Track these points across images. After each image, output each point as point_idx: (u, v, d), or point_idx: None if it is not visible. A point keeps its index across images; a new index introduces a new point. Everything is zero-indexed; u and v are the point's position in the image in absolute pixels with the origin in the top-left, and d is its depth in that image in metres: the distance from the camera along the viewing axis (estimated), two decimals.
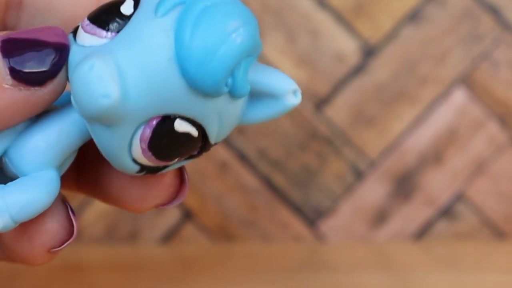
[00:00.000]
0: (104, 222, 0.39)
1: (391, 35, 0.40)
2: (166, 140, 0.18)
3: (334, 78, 0.40)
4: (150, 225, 0.39)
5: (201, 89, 0.17)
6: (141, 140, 0.18)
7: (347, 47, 0.40)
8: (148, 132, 0.18)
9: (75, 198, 0.38)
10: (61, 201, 0.20)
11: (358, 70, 0.40)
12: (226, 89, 0.18)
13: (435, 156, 0.40)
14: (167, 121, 0.18)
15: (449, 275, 0.35)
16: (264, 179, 0.39)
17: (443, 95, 0.40)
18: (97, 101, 0.17)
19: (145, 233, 0.39)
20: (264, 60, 0.39)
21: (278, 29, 0.39)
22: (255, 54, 0.18)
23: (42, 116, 0.19)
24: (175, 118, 0.18)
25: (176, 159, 0.19)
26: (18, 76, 0.18)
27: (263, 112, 0.20)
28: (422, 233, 0.40)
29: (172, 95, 0.18)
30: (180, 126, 0.18)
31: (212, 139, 0.19)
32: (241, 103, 0.19)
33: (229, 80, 0.18)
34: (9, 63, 0.18)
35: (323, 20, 0.39)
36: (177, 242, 0.39)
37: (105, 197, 0.21)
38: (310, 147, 0.40)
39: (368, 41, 0.40)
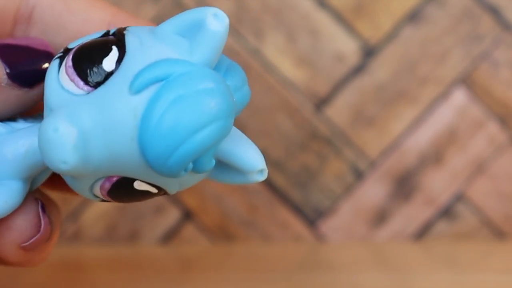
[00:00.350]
0: (104, 222, 0.39)
1: (391, 35, 0.40)
2: (124, 193, 0.19)
3: (334, 78, 0.40)
4: (150, 225, 0.39)
5: (159, 173, 0.18)
6: (101, 188, 0.19)
7: (347, 47, 0.40)
8: (108, 185, 0.19)
9: (75, 198, 0.38)
10: (34, 199, 0.21)
11: (358, 70, 0.40)
12: (184, 174, 0.18)
13: (435, 156, 0.40)
14: (126, 180, 0.18)
15: (449, 275, 0.35)
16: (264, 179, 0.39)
17: (443, 95, 0.40)
18: (56, 164, 0.17)
19: (145, 233, 0.39)
20: (264, 60, 0.39)
21: (278, 29, 0.39)
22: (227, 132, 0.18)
23: (21, 126, 0.20)
24: (134, 180, 0.18)
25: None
26: (13, 77, 0.20)
27: (226, 177, 0.20)
28: (422, 233, 0.40)
29: (131, 167, 0.18)
30: (139, 186, 0.19)
31: (173, 193, 0.19)
32: (204, 173, 0.19)
33: (190, 165, 0.18)
34: (7, 65, 0.20)
35: (323, 20, 0.39)
36: (177, 242, 0.39)
37: None
38: (310, 147, 0.40)
39: (368, 41, 0.40)
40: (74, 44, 0.19)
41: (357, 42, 0.40)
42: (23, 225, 0.20)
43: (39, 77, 0.20)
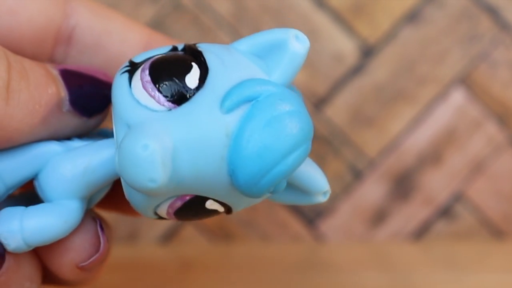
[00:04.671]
0: None
1: (390, 35, 0.40)
2: (193, 212, 0.19)
3: (333, 78, 0.40)
4: (150, 226, 0.39)
5: (245, 194, 0.18)
6: (169, 206, 0.18)
7: (346, 47, 0.40)
8: (179, 204, 0.18)
9: None
10: (91, 218, 0.20)
11: (357, 70, 0.40)
12: (268, 195, 0.18)
13: (433, 156, 0.40)
14: (199, 199, 0.18)
15: (448, 274, 0.35)
16: None
17: (442, 95, 0.40)
18: (143, 183, 0.16)
19: (145, 233, 0.39)
20: None
21: None
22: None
23: (77, 144, 0.20)
24: (208, 199, 0.18)
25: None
26: (74, 105, 0.19)
27: (290, 197, 0.20)
28: (421, 232, 0.40)
29: (214, 186, 0.18)
30: (211, 205, 0.18)
31: (237, 211, 0.19)
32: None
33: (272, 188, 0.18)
34: (69, 92, 0.19)
35: (322, 20, 0.40)
36: (176, 242, 0.39)
37: None
38: None
39: (367, 41, 0.40)
40: (140, 58, 0.19)
41: (356, 42, 0.40)
42: (81, 245, 0.20)
43: (100, 108, 0.20)
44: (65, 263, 0.20)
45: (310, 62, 0.39)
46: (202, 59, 0.18)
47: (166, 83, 0.17)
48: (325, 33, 0.39)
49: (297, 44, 0.18)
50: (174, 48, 0.19)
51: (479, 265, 0.36)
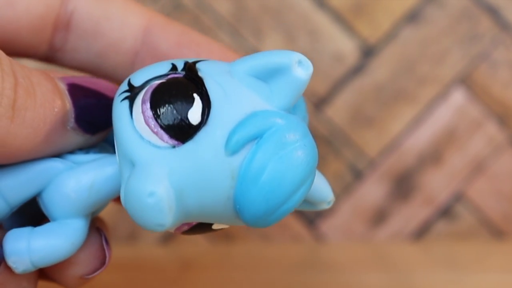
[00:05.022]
0: None
1: (390, 35, 0.40)
2: (200, 231, 0.19)
3: (333, 78, 0.40)
4: None
5: (252, 227, 0.18)
6: (176, 229, 0.18)
7: (346, 47, 0.40)
8: (186, 227, 0.18)
9: None
10: (96, 230, 0.20)
11: (357, 70, 0.40)
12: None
13: (434, 156, 0.40)
14: (206, 223, 0.18)
15: (448, 275, 0.35)
16: None
17: (442, 95, 0.40)
18: (152, 227, 0.16)
19: (145, 233, 0.39)
20: None
21: (277, 29, 0.39)
22: None
23: (80, 158, 0.19)
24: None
25: None
26: (79, 122, 0.19)
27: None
28: (421, 233, 0.40)
29: (221, 218, 0.18)
30: (217, 226, 0.19)
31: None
32: None
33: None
34: (75, 109, 0.19)
35: (322, 20, 0.39)
36: (176, 242, 0.39)
37: None
38: None
39: (367, 41, 0.40)
40: (138, 80, 0.18)
41: (356, 42, 0.40)
42: (86, 259, 0.20)
43: (104, 126, 0.19)
44: (70, 276, 0.20)
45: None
46: (204, 89, 0.17)
47: (169, 120, 0.17)
48: (325, 33, 0.39)
49: (300, 70, 0.17)
50: (174, 67, 0.18)
51: (479, 265, 0.36)
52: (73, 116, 0.19)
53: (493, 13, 0.39)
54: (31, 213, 0.20)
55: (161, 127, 0.17)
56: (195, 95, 0.17)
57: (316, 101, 0.40)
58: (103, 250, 0.20)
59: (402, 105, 0.40)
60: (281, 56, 0.17)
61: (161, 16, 0.22)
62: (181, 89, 0.17)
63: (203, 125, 0.17)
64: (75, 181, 0.19)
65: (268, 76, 0.18)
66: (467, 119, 0.40)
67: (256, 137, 0.17)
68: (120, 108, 0.18)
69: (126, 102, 0.18)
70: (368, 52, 0.40)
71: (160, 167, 0.17)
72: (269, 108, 0.17)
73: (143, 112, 0.17)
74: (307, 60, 0.17)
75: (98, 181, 0.19)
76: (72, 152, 0.19)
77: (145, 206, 0.16)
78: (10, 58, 0.18)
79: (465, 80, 0.40)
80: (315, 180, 0.19)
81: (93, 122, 0.19)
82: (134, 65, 0.22)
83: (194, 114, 0.17)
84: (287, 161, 0.17)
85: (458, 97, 0.40)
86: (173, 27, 0.22)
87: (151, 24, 0.22)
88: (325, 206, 0.20)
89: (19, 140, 0.18)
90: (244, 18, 0.39)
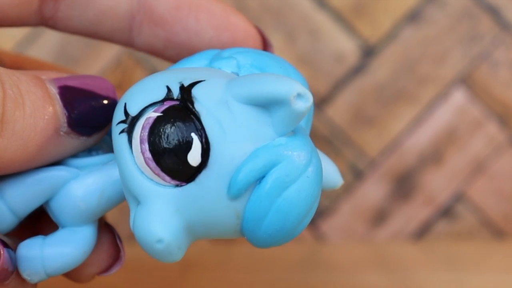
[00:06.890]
0: None
1: (391, 35, 0.40)
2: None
3: (334, 78, 0.40)
4: None
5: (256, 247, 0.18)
6: None
7: (346, 47, 0.40)
8: None
9: None
10: (108, 230, 0.20)
11: (358, 70, 0.40)
12: None
13: (434, 156, 0.40)
14: None
15: (449, 274, 0.35)
16: None
17: (443, 95, 0.40)
18: (163, 261, 0.17)
19: None
20: None
21: (278, 29, 0.39)
22: None
23: (83, 162, 0.19)
24: None
25: None
26: (73, 126, 0.18)
27: None
28: (422, 233, 0.40)
29: (228, 237, 0.18)
30: None
31: None
32: None
33: None
34: (67, 113, 0.18)
35: (323, 20, 0.39)
36: None
37: None
38: None
39: (368, 41, 0.40)
40: (134, 108, 0.18)
41: (357, 42, 0.40)
42: (100, 258, 0.20)
43: (100, 126, 0.19)
44: (84, 275, 0.20)
45: (311, 62, 0.39)
46: (202, 127, 0.17)
47: (168, 164, 0.17)
48: (326, 33, 0.39)
49: (300, 103, 0.17)
50: (169, 91, 0.18)
51: (480, 265, 0.36)
52: (65, 121, 0.18)
53: (494, 13, 0.39)
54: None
55: (162, 169, 0.17)
56: (193, 135, 0.17)
57: (317, 101, 0.40)
58: (117, 246, 0.20)
59: (403, 105, 0.40)
60: (280, 88, 0.17)
61: None
62: (179, 131, 0.17)
63: (203, 168, 0.17)
64: (84, 191, 0.19)
65: (267, 103, 0.17)
66: (467, 119, 0.40)
67: (258, 179, 0.17)
68: (119, 141, 0.18)
69: (125, 136, 0.18)
70: (368, 52, 0.40)
71: (166, 207, 0.17)
72: (270, 137, 0.17)
73: (142, 153, 0.17)
74: (306, 91, 0.17)
75: (107, 189, 0.19)
76: (75, 155, 0.19)
77: (155, 251, 0.17)
78: None
79: (466, 80, 0.40)
80: (324, 168, 0.19)
81: (87, 123, 0.19)
82: (132, 30, 0.22)
83: (194, 157, 0.17)
84: (290, 201, 0.17)
85: (458, 97, 0.40)
86: None
87: None
88: (335, 188, 0.21)
89: (9, 152, 0.17)
90: None
